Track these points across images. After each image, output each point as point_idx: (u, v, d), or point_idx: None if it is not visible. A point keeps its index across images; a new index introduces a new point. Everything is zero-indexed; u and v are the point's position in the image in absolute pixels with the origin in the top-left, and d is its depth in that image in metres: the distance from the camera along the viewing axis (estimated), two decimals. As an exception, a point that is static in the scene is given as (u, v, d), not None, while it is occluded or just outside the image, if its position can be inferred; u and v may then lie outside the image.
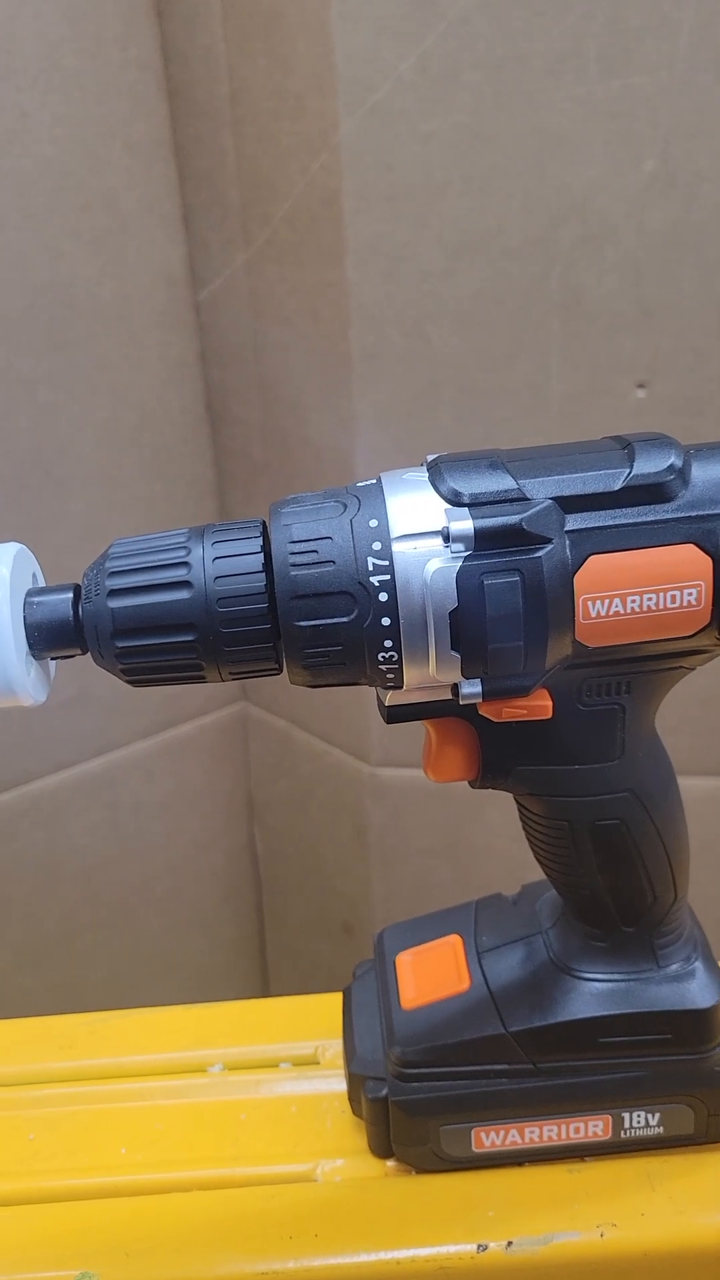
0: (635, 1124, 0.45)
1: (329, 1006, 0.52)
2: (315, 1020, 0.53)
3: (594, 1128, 0.45)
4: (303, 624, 0.37)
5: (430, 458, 0.39)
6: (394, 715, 0.40)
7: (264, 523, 0.38)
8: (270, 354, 0.84)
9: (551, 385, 0.78)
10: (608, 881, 0.43)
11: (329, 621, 0.37)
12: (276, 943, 1.07)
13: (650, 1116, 0.45)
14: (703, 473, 0.38)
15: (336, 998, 0.51)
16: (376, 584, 0.36)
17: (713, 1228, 0.44)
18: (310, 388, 0.82)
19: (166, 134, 0.80)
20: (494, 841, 0.87)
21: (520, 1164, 0.47)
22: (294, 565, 0.37)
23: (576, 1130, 0.46)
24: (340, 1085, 0.49)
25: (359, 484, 0.39)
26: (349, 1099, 0.48)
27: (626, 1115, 0.45)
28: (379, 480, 0.38)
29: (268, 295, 0.82)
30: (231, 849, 1.02)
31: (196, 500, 0.88)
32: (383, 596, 0.36)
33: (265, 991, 1.07)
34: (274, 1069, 0.52)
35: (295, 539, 0.37)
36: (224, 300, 0.84)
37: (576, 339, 0.75)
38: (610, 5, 0.67)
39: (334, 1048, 0.51)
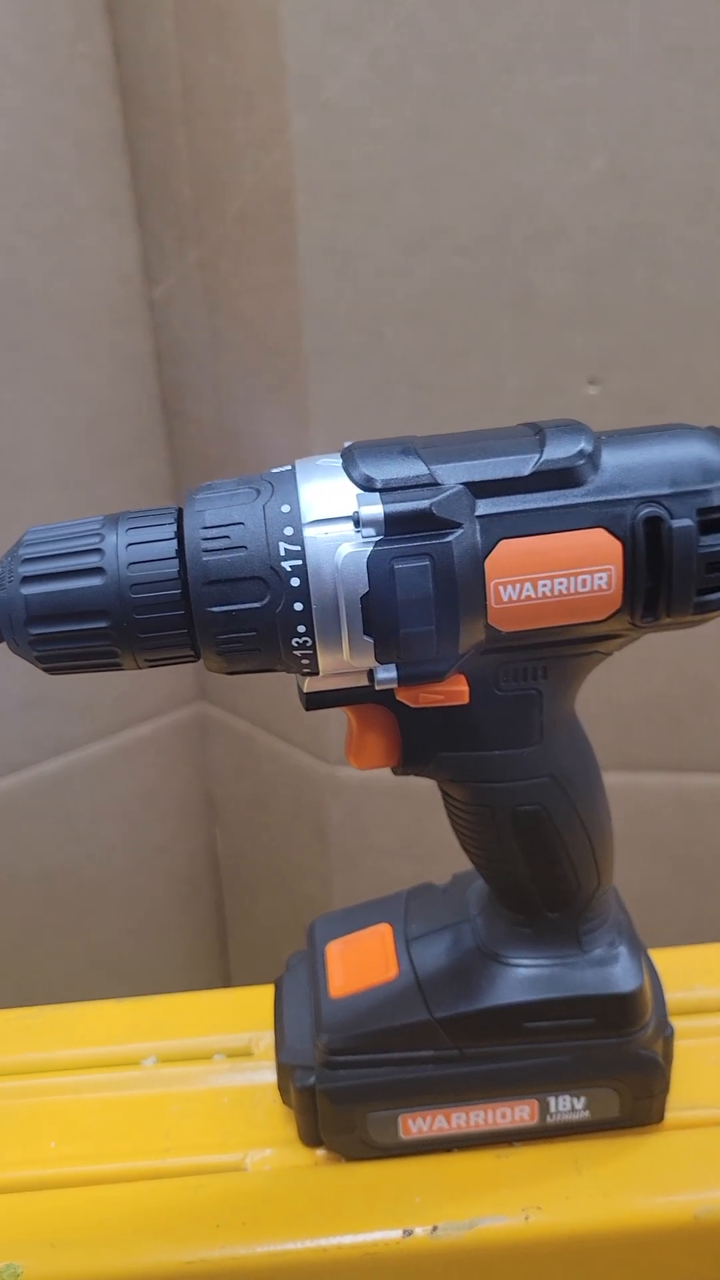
0: (561, 1108, 0.46)
1: (265, 998, 0.52)
2: (250, 1012, 0.53)
3: (520, 1113, 0.46)
4: (215, 609, 0.37)
5: (346, 444, 0.39)
6: (313, 702, 0.41)
7: (180, 510, 0.38)
8: (225, 351, 0.84)
9: (505, 382, 0.78)
10: (531, 868, 0.44)
11: (241, 607, 0.37)
12: (238, 944, 1.07)
13: (576, 1101, 0.46)
14: (613, 458, 0.38)
15: (272, 990, 0.52)
16: (288, 569, 0.37)
17: (636, 1210, 0.44)
18: (265, 385, 0.82)
19: (119, 130, 0.80)
20: (453, 839, 0.87)
21: (448, 1150, 0.47)
22: (206, 551, 0.37)
23: (503, 1116, 0.46)
24: (273, 1076, 0.49)
25: (274, 470, 0.39)
26: (279, 1089, 0.48)
27: (552, 1100, 0.46)
28: (293, 466, 0.38)
29: (221, 292, 0.82)
30: (192, 850, 1.01)
31: (152, 498, 0.88)
32: (294, 581, 0.37)
33: (228, 992, 1.06)
34: (208, 1061, 0.52)
35: (208, 524, 0.37)
36: (178, 297, 0.84)
37: (529, 335, 0.76)
38: (559, 4, 0.67)
39: (268, 1039, 0.52)
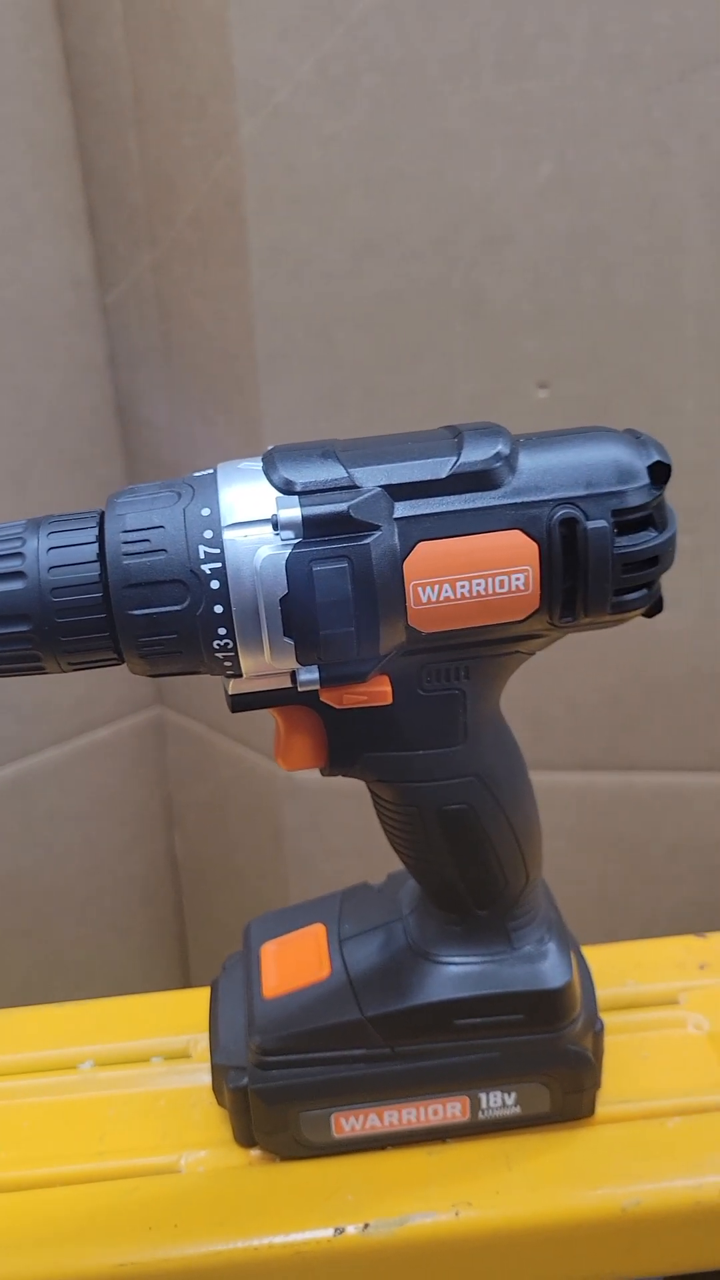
0: (492, 1104, 0.46)
1: (203, 1000, 0.52)
2: (191, 1014, 0.53)
3: (452, 1109, 0.46)
4: (136, 613, 0.37)
5: (269, 448, 0.40)
6: (238, 704, 0.41)
7: (102, 514, 0.39)
8: (178, 356, 0.84)
9: (457, 386, 0.78)
10: (459, 866, 0.44)
11: (162, 610, 0.37)
12: (198, 948, 1.07)
13: (507, 1097, 0.46)
14: (530, 461, 0.38)
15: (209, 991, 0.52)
16: (208, 571, 0.37)
17: (566, 1204, 0.44)
18: (218, 390, 0.82)
19: (70, 135, 0.80)
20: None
21: (381, 1148, 0.47)
22: (126, 554, 0.37)
23: (435, 1112, 0.46)
24: (209, 1078, 0.49)
25: (196, 474, 0.39)
26: (213, 1090, 0.48)
27: (483, 1096, 0.46)
28: (214, 470, 0.39)
29: (174, 297, 0.82)
30: (150, 855, 1.01)
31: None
32: (214, 584, 0.37)
33: (188, 997, 1.06)
34: (146, 1064, 0.52)
35: (128, 528, 0.37)
36: (131, 302, 0.84)
37: (480, 340, 0.76)
38: (504, 11, 0.68)
39: (206, 1042, 0.52)
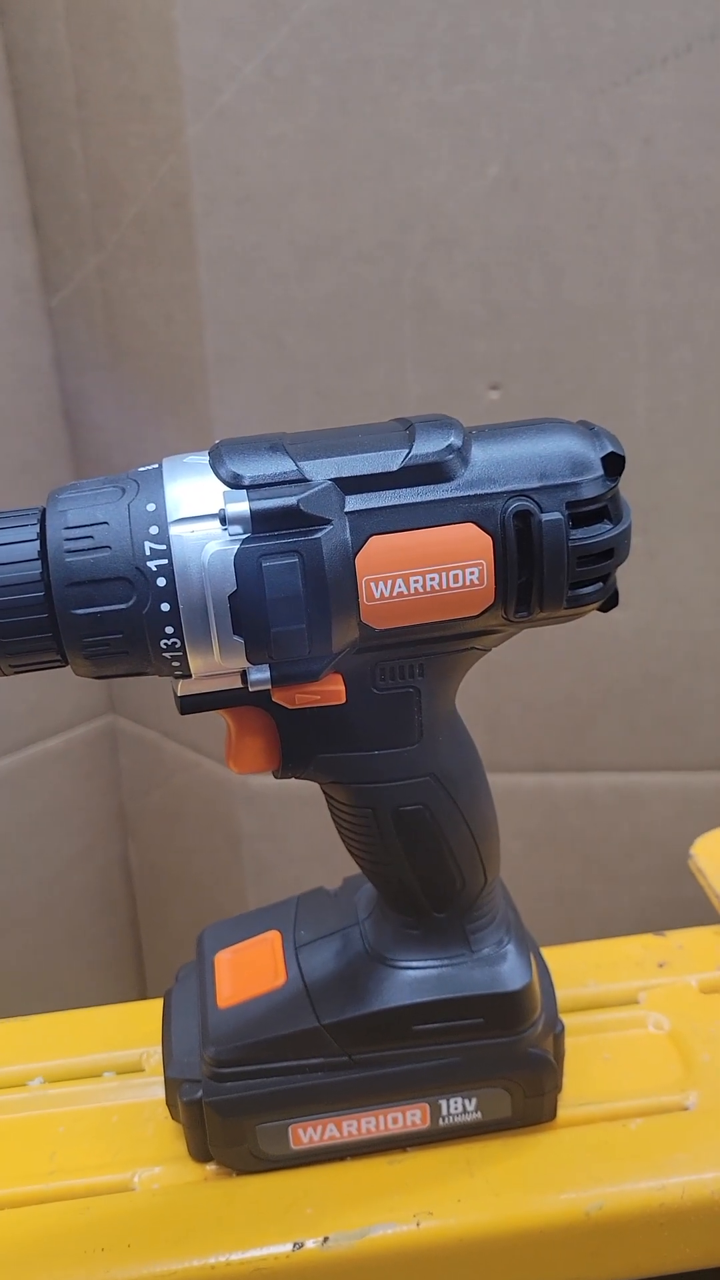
0: (453, 1111, 0.45)
1: (156, 1012, 0.51)
2: (141, 1026, 0.52)
3: (412, 1117, 0.45)
4: (79, 612, 0.36)
5: (216, 443, 0.39)
6: (187, 706, 0.40)
7: (43, 510, 0.37)
8: (126, 359, 0.83)
9: (408, 388, 0.78)
10: (415, 868, 0.43)
11: (106, 609, 0.36)
12: (154, 957, 1.05)
13: (467, 1102, 0.45)
14: (483, 453, 0.38)
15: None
16: (154, 568, 0.36)
17: (528, 1210, 0.44)
18: (167, 393, 0.81)
19: (12, 135, 0.79)
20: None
21: (340, 1159, 0.46)
22: (69, 551, 0.36)
23: (394, 1121, 0.45)
24: (163, 1091, 0.48)
25: (140, 469, 0.38)
26: (167, 1104, 0.47)
27: (444, 1102, 0.45)
28: (160, 465, 0.38)
29: (121, 300, 0.81)
30: (104, 864, 0.99)
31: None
32: (160, 581, 0.36)
33: (145, 1008, 1.05)
34: (97, 1079, 0.51)
35: (70, 524, 0.36)
36: (77, 305, 0.83)
37: (431, 342, 0.76)
38: (450, 13, 0.68)
39: (159, 1055, 0.50)
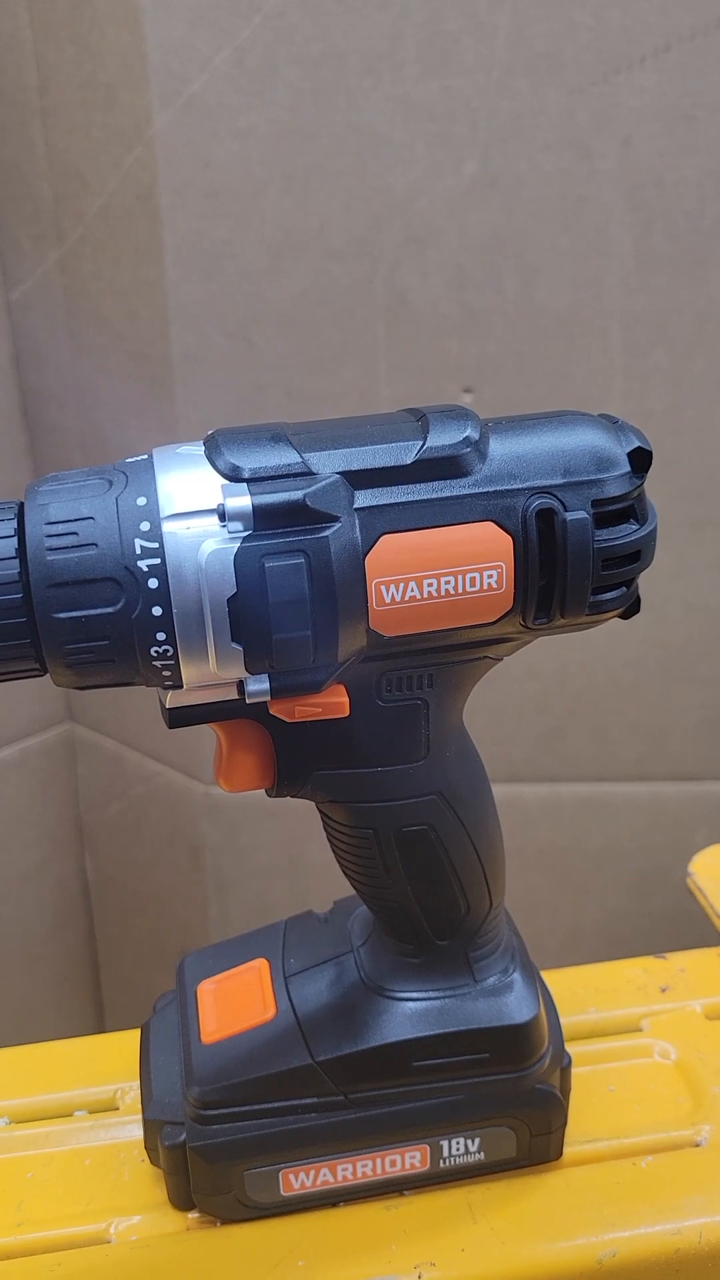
0: (455, 1151, 0.43)
1: (132, 1045, 0.48)
2: (117, 1060, 0.49)
3: (411, 1159, 0.42)
4: (62, 616, 0.33)
5: (210, 432, 0.36)
6: (176, 719, 0.37)
7: (21, 505, 0.34)
8: (88, 356, 0.80)
9: (380, 389, 0.76)
10: (418, 893, 0.40)
11: (92, 612, 0.33)
12: (111, 975, 1.02)
13: (470, 1142, 0.43)
14: (501, 447, 0.35)
15: (138, 1035, 0.47)
16: (145, 569, 0.33)
17: (536, 1257, 0.41)
18: (130, 391, 0.79)
19: (-30, 123, 0.75)
20: (334, 859, 0.86)
21: (334, 1204, 0.43)
22: (50, 549, 0.33)
23: (392, 1163, 0.42)
24: (140, 1132, 0.45)
25: (129, 459, 0.35)
26: (145, 1147, 0.44)
27: (445, 1143, 0.42)
28: (150, 455, 0.35)
29: (83, 295, 0.78)
30: (60, 878, 0.96)
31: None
32: (152, 583, 0.33)
33: (101, 1027, 1.02)
34: (68, 1118, 0.47)
35: (52, 519, 0.33)
36: (37, 301, 0.80)
37: (403, 342, 0.74)
38: (426, 6, 0.66)
39: (135, 1090, 0.47)
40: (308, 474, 0.34)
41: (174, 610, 0.33)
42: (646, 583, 0.81)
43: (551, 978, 0.49)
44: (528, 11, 0.66)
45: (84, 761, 0.94)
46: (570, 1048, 0.46)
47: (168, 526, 0.33)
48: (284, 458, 0.34)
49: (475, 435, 0.35)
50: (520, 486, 0.35)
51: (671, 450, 0.75)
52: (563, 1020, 0.46)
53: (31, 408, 0.83)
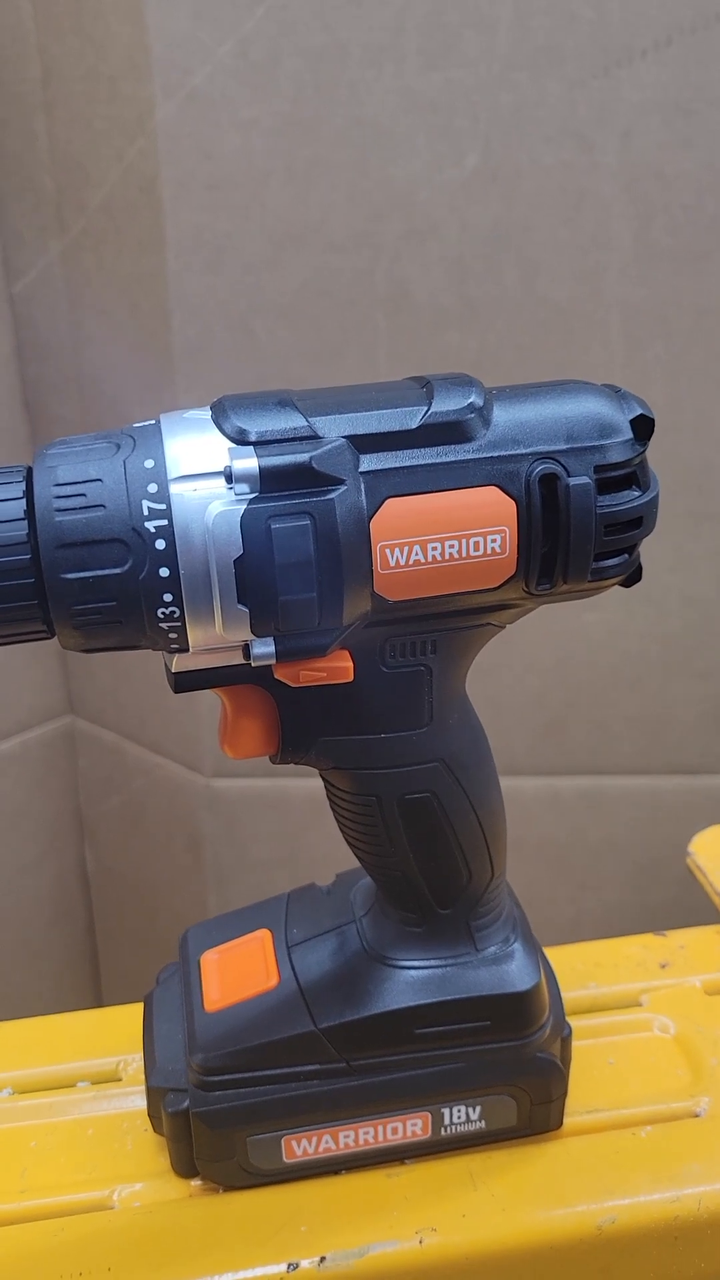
0: (456, 1119, 0.43)
1: (134, 1017, 0.48)
2: (119, 1033, 0.49)
3: (412, 1126, 0.43)
4: (70, 576, 0.33)
5: (219, 398, 0.36)
6: (182, 683, 0.37)
7: (30, 469, 0.35)
8: (89, 348, 0.80)
9: (380, 380, 0.76)
10: (420, 860, 0.41)
11: (99, 573, 0.33)
12: (110, 967, 1.02)
13: (471, 1110, 0.43)
14: (505, 414, 0.36)
15: (141, 1008, 0.47)
16: (152, 530, 0.33)
17: (536, 1223, 0.41)
18: (132, 382, 0.79)
19: (-27, 115, 0.76)
20: (334, 850, 0.85)
21: (336, 1172, 0.43)
22: (59, 510, 0.33)
23: (394, 1131, 0.43)
24: (143, 1102, 0.45)
25: (137, 424, 0.35)
26: (149, 1115, 0.44)
27: (446, 1111, 0.43)
28: (158, 420, 0.35)
29: (85, 286, 0.78)
30: (60, 870, 0.96)
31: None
32: (159, 544, 0.33)
33: (100, 1019, 1.01)
34: (71, 1089, 0.47)
35: (60, 481, 0.33)
36: (39, 292, 0.80)
37: (404, 334, 0.74)
38: (428, -1, 0.67)
39: (137, 1062, 0.47)
40: (314, 438, 0.34)
41: (181, 571, 0.33)
42: (645, 575, 0.81)
43: (552, 954, 0.49)
44: (529, 4, 0.67)
45: (84, 754, 0.94)
46: (571, 1021, 0.46)
47: (175, 488, 0.33)
48: (290, 421, 0.34)
49: (479, 401, 0.35)
50: (524, 452, 0.35)
51: (670, 443, 0.75)
52: (564, 995, 0.46)
53: (33, 398, 0.84)
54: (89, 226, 0.76)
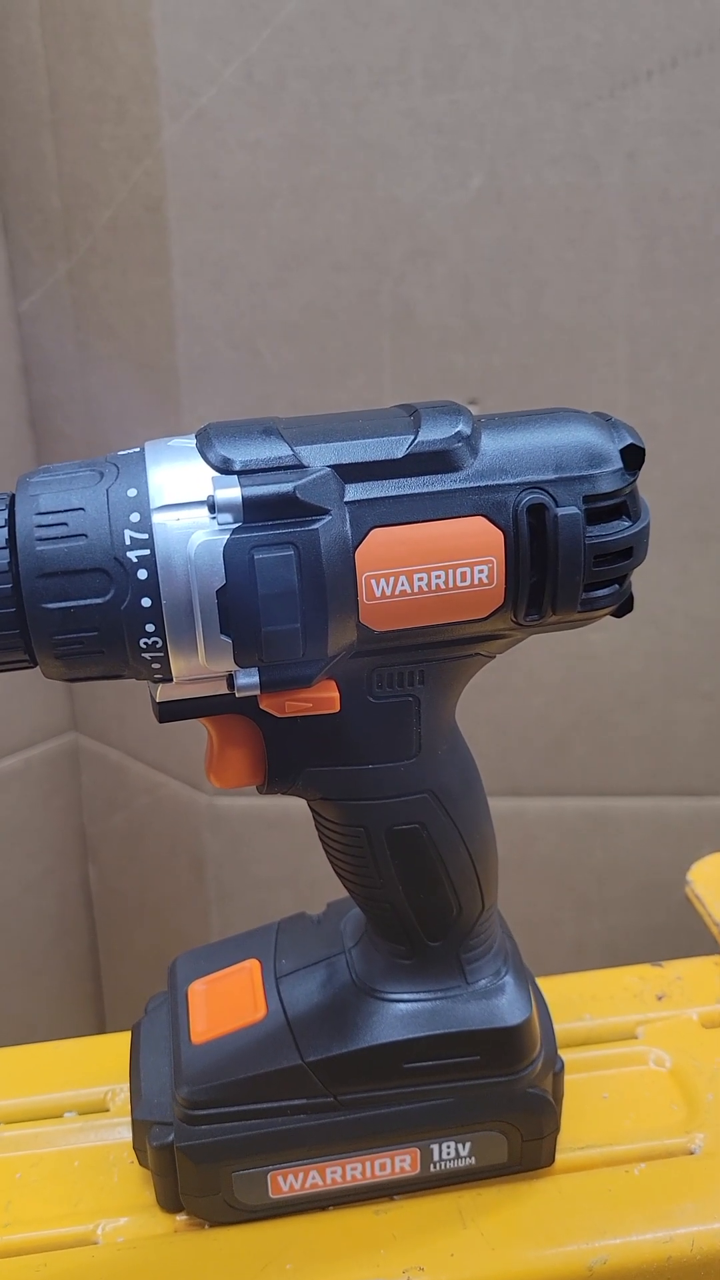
0: (445, 1155, 0.42)
1: (124, 1045, 0.47)
2: (106, 1062, 0.48)
3: (401, 1163, 0.42)
4: (51, 606, 0.33)
5: (204, 425, 0.36)
6: (166, 713, 0.37)
7: (12, 496, 0.34)
8: (95, 366, 0.80)
9: (385, 401, 0.76)
10: (409, 892, 0.40)
11: (81, 603, 0.33)
12: (113, 986, 1.02)
13: (461, 1146, 0.42)
14: (493, 442, 0.35)
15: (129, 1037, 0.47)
16: (134, 559, 0.33)
17: (526, 1263, 0.40)
18: (137, 401, 0.79)
19: (-19, 135, 0.76)
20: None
21: (323, 1208, 0.43)
22: (40, 539, 0.33)
23: (382, 1167, 0.42)
24: (129, 1134, 0.45)
25: (120, 452, 0.35)
26: (134, 1148, 0.44)
27: (435, 1147, 0.42)
28: (142, 447, 0.35)
29: (91, 305, 0.79)
30: (63, 889, 0.96)
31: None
32: (141, 574, 0.33)
33: (102, 1040, 1.01)
34: (58, 1119, 0.47)
35: (42, 510, 0.33)
36: (46, 311, 0.81)
37: (408, 354, 0.74)
38: (434, 20, 0.67)
39: (125, 1092, 0.47)
40: (298, 467, 0.34)
41: (163, 601, 0.33)
42: (649, 596, 0.81)
43: (547, 984, 0.48)
44: (534, 26, 0.67)
45: (87, 772, 0.94)
46: (564, 1054, 0.45)
47: (157, 518, 0.33)
48: (275, 450, 0.34)
49: (467, 430, 0.35)
50: (511, 482, 0.35)
51: (675, 463, 0.75)
52: (557, 1027, 0.45)
53: (39, 417, 0.84)
54: (95, 246, 0.77)
